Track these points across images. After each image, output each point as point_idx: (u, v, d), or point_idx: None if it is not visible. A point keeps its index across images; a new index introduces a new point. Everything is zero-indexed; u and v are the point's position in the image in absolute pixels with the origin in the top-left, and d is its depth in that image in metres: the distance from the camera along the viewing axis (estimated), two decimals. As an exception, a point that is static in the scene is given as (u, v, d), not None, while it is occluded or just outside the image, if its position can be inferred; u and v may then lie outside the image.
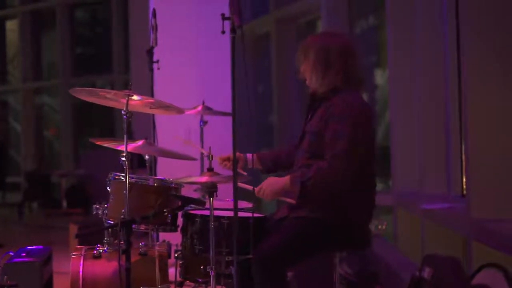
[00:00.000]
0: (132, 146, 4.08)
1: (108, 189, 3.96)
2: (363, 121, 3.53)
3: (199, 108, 5.05)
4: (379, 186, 7.91)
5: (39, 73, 15.37)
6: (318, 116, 3.60)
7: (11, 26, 15.77)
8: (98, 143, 4.06)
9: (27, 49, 15.06)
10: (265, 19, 10.15)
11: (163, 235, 5.02)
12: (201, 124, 5.20)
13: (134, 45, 11.79)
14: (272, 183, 3.53)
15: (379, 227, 5.70)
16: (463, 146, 4.92)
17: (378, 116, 8.25)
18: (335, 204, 3.52)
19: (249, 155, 3.93)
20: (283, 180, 3.51)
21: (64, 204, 12.17)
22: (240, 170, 3.82)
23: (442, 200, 5.37)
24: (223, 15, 3.21)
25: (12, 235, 10.24)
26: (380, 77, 8.31)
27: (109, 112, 13.12)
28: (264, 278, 3.42)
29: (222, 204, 3.94)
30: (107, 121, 14.19)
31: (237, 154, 3.78)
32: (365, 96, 8.47)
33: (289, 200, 3.50)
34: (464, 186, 4.95)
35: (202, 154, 5.01)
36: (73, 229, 6.46)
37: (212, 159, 3.58)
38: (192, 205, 3.81)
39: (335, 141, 3.45)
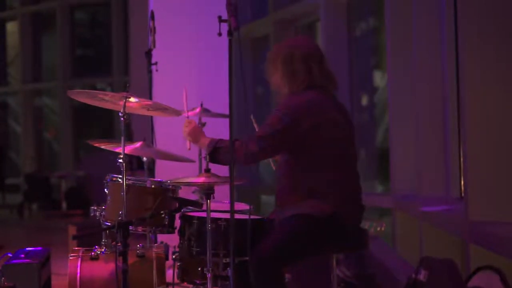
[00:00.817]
0: (130, 148, 4.09)
1: (106, 191, 3.97)
2: (293, 113, 3.55)
3: (197, 110, 5.06)
4: (379, 188, 7.92)
5: (39, 75, 15.37)
6: None
7: (11, 27, 15.78)
8: (96, 145, 4.07)
9: (27, 50, 15.07)
10: (264, 21, 10.15)
11: (161, 237, 5.02)
12: (199, 126, 5.20)
13: (133, 47, 11.80)
14: (196, 131, 3.72)
15: (378, 228, 5.70)
16: (461, 149, 4.92)
17: (377, 118, 8.25)
18: (317, 198, 3.53)
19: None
20: (205, 138, 3.69)
21: (64, 205, 12.18)
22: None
23: (440, 202, 5.37)
24: (220, 17, 3.22)
25: (11, 236, 10.25)
26: (379, 79, 8.32)
27: (109, 114, 13.12)
28: (262, 279, 3.42)
29: (220, 206, 3.95)
30: (107, 123, 14.19)
31: None
32: (365, 99, 8.51)
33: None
34: (462, 188, 4.96)
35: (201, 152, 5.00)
36: (72, 230, 6.45)
37: (209, 160, 3.59)
38: (190, 207, 3.82)
39: (259, 128, 3.63)
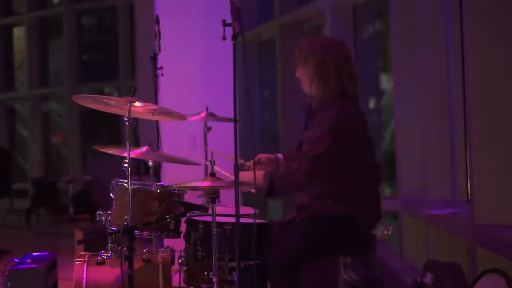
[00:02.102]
0: (136, 153, 4.09)
1: (111, 196, 3.97)
2: (340, 130, 3.56)
3: (203, 114, 5.07)
4: (387, 191, 7.90)
5: (46, 80, 15.41)
6: (311, 126, 3.67)
7: (19, 33, 15.83)
8: (102, 150, 4.07)
9: (34, 55, 15.11)
10: (270, 25, 10.15)
11: (166, 241, 5.02)
12: (205, 130, 5.21)
13: (140, 52, 11.81)
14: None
15: (385, 232, 5.70)
16: (467, 152, 4.91)
17: (384, 121, 8.24)
18: (340, 204, 3.55)
19: (280, 155, 3.96)
20: (261, 173, 3.64)
21: (71, 210, 12.19)
22: (252, 190, 3.80)
23: (446, 205, 5.35)
24: (224, 21, 3.22)
25: (19, 241, 10.27)
26: (386, 82, 8.31)
27: (116, 119, 13.14)
28: (282, 284, 3.43)
29: (225, 210, 3.95)
30: (114, 128, 14.22)
31: (269, 156, 3.86)
32: (372, 102, 8.51)
33: (251, 189, 3.63)
34: (469, 192, 4.94)
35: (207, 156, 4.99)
36: (78, 235, 6.46)
37: (214, 164, 3.58)
38: (195, 211, 3.82)
39: (307, 145, 3.57)
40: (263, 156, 3.85)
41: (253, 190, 3.72)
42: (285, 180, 3.57)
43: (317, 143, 3.52)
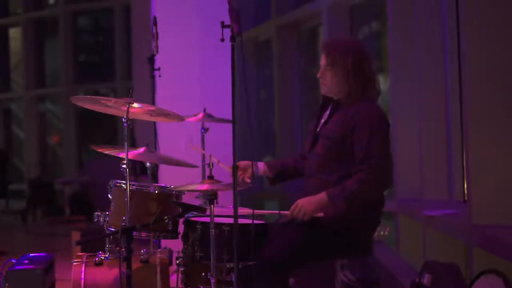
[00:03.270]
0: (134, 154, 4.09)
1: (110, 197, 3.97)
2: (385, 130, 3.61)
3: (200, 115, 5.07)
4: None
5: (42, 81, 15.40)
6: (336, 122, 3.65)
7: (15, 34, 15.82)
8: (99, 150, 4.07)
9: (30, 56, 15.10)
10: (266, 26, 10.16)
11: (164, 242, 5.02)
12: (202, 131, 5.21)
13: (136, 53, 11.81)
14: (310, 202, 3.53)
15: (382, 233, 5.69)
16: (464, 152, 4.92)
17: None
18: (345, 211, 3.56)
19: (260, 164, 3.95)
20: (319, 197, 3.53)
21: (68, 211, 12.18)
22: (246, 179, 3.82)
23: (444, 206, 5.37)
24: (222, 23, 3.22)
25: (15, 242, 10.26)
26: (382, 83, 8.33)
27: (112, 120, 13.15)
28: (267, 284, 3.43)
29: (223, 211, 3.95)
30: (110, 129, 14.22)
31: (247, 162, 3.82)
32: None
33: (321, 215, 3.53)
34: (466, 192, 4.95)
35: (204, 158, 5.01)
36: (76, 236, 6.46)
37: (212, 167, 3.59)
38: (193, 212, 3.82)
39: (368, 150, 3.52)
40: (241, 163, 3.84)
41: (248, 180, 3.73)
42: (365, 193, 3.51)
43: (371, 142, 3.53)
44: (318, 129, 3.74)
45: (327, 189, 3.55)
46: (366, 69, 3.67)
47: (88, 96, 3.82)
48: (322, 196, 3.52)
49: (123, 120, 3.77)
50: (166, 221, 3.80)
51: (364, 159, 3.51)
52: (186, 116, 4.86)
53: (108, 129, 14.47)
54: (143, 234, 3.87)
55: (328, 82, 3.70)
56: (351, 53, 3.66)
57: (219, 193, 3.60)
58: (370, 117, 3.57)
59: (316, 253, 3.59)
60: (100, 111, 3.97)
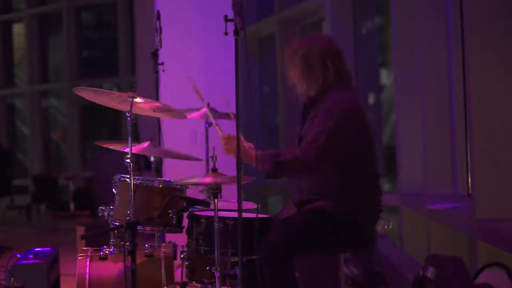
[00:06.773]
0: (138, 148, 4.10)
1: (114, 191, 3.98)
2: (348, 118, 3.57)
3: (204, 110, 5.07)
4: (387, 186, 7.93)
5: (46, 76, 15.41)
6: (310, 120, 3.68)
7: (18, 29, 15.82)
8: (103, 145, 4.08)
9: (33, 52, 15.10)
10: (269, 21, 10.16)
11: (169, 236, 5.03)
12: (206, 126, 5.21)
13: (140, 48, 11.82)
14: (243, 148, 3.53)
15: (385, 227, 5.70)
16: (468, 146, 4.92)
17: (384, 116, 8.25)
18: (342, 199, 3.55)
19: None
20: (252, 152, 3.56)
21: (72, 206, 12.20)
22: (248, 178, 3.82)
23: (447, 200, 5.37)
24: (225, 16, 3.22)
25: (20, 237, 10.28)
26: (386, 77, 8.32)
27: (116, 114, 13.15)
28: (272, 270, 3.45)
29: (227, 205, 3.96)
30: (114, 123, 14.22)
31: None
32: (372, 97, 8.52)
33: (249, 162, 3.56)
34: (470, 186, 4.96)
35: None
36: (80, 231, 6.47)
37: (216, 159, 3.59)
38: (197, 206, 3.83)
39: (316, 135, 3.52)
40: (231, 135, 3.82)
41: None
42: (294, 169, 3.53)
43: (322, 133, 3.51)
44: (300, 130, 3.77)
45: (320, 186, 3.60)
46: (317, 59, 3.63)
47: (91, 88, 3.79)
48: (254, 152, 3.55)
49: (127, 114, 3.78)
50: (171, 215, 3.81)
51: (311, 142, 3.52)
52: (190, 111, 4.87)
53: (112, 124, 14.47)
54: (148, 228, 3.88)
55: (295, 86, 3.74)
56: (299, 51, 3.67)
57: (223, 187, 3.60)
58: (331, 105, 3.56)
59: (315, 240, 3.59)
60: (104, 104, 3.95)
